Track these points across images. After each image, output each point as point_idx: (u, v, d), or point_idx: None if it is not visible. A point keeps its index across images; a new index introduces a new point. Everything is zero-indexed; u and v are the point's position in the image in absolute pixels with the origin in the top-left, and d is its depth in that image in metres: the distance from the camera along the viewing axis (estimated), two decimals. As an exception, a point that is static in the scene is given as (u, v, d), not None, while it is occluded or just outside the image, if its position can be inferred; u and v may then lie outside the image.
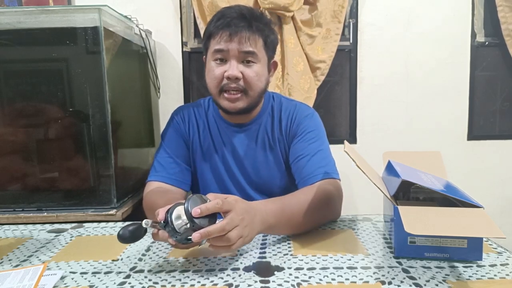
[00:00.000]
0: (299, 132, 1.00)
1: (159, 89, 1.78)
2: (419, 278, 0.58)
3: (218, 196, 0.64)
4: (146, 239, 0.78)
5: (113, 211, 1.13)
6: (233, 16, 0.89)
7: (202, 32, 1.75)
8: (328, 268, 0.62)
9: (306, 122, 1.01)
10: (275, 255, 0.68)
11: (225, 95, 0.91)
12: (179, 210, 0.60)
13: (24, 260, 0.69)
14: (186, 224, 0.59)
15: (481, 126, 1.96)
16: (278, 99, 1.06)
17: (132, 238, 0.61)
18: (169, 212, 0.60)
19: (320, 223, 0.84)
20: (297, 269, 0.62)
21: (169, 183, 0.96)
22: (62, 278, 0.61)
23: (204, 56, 0.99)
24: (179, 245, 0.64)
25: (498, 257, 0.65)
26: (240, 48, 0.89)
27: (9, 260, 0.69)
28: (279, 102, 1.06)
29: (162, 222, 0.60)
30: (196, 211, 0.58)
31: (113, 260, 0.68)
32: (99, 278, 0.61)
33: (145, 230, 0.62)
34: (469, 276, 0.58)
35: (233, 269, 0.62)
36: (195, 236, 0.57)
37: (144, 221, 0.60)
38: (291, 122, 1.02)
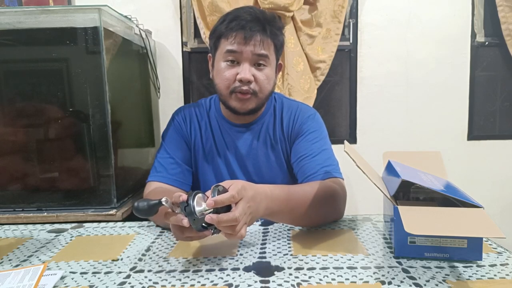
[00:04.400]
0: (301, 132, 1.00)
1: (159, 89, 1.78)
2: (419, 278, 0.58)
3: (228, 183, 0.65)
4: (146, 239, 0.78)
5: (113, 211, 1.13)
6: (248, 19, 0.88)
7: (202, 32, 1.75)
8: (328, 268, 0.62)
9: (309, 123, 1.01)
10: (275, 255, 0.68)
11: (237, 95, 0.92)
12: (200, 198, 0.62)
13: (24, 260, 0.69)
14: (206, 211, 0.60)
15: (481, 126, 1.96)
16: (279, 99, 1.06)
17: (146, 212, 0.62)
18: (190, 197, 0.61)
19: (323, 220, 0.84)
20: (297, 269, 0.62)
21: (170, 184, 0.96)
22: (62, 278, 0.61)
23: (210, 55, 0.99)
24: (188, 231, 0.63)
25: (498, 257, 0.65)
26: (254, 51, 0.89)
27: (9, 260, 0.69)
28: (281, 102, 1.06)
29: (184, 202, 0.61)
30: (210, 203, 0.59)
31: (113, 260, 0.68)
32: (99, 278, 0.61)
33: (157, 210, 0.62)
34: (469, 276, 0.58)
35: (233, 269, 0.62)
36: (207, 218, 0.59)
37: (163, 199, 0.61)
38: (293, 122, 1.02)
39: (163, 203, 0.61)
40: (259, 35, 0.88)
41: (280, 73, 1.79)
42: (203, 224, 0.60)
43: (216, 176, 1.03)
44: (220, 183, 0.65)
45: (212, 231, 0.62)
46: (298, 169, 0.97)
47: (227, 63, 0.91)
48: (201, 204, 0.61)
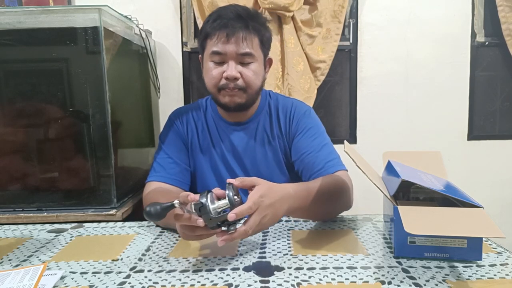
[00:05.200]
0: (299, 129, 1.01)
1: (159, 89, 1.78)
2: (419, 278, 0.58)
3: (254, 181, 0.68)
4: (146, 239, 0.78)
5: (113, 211, 1.13)
6: (230, 16, 0.90)
7: (202, 32, 1.75)
8: (328, 268, 0.62)
9: (305, 119, 1.02)
10: (275, 255, 0.68)
11: (226, 91, 0.93)
12: (213, 196, 0.64)
13: (24, 260, 0.69)
14: (221, 208, 0.62)
15: (481, 126, 1.96)
16: (274, 97, 1.08)
17: (159, 216, 0.63)
18: (203, 197, 0.62)
19: (337, 212, 0.88)
20: (297, 269, 0.62)
21: (169, 183, 0.96)
22: (62, 278, 0.61)
23: (200, 56, 1.00)
24: (200, 230, 0.64)
25: (497, 257, 0.65)
26: (237, 50, 0.90)
27: (9, 260, 0.69)
28: (276, 99, 1.07)
29: (199, 202, 0.61)
30: (231, 217, 0.60)
31: (113, 260, 0.68)
32: (99, 278, 0.61)
33: (166, 213, 0.63)
34: (469, 276, 0.58)
35: (233, 269, 0.62)
36: (231, 216, 0.60)
37: (175, 201, 0.62)
38: (289, 120, 1.03)
39: (176, 205, 0.61)
40: (241, 31, 0.89)
41: (280, 73, 1.79)
42: (219, 222, 0.62)
43: (215, 175, 1.04)
44: (245, 180, 0.68)
45: (226, 228, 0.64)
46: (302, 167, 0.98)
47: (214, 62, 0.93)
48: (213, 203, 0.62)
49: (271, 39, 1.00)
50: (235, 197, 0.64)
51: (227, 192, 0.63)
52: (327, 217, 0.87)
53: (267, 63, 1.01)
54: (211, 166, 1.04)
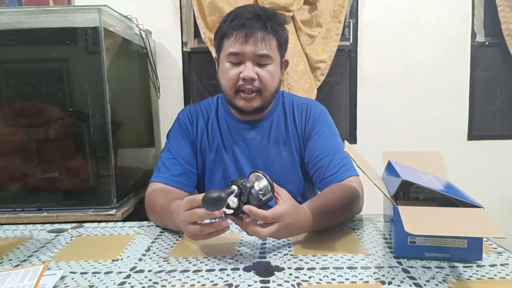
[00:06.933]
0: (315, 130, 1.00)
1: (159, 89, 1.78)
2: (419, 278, 0.58)
3: (282, 194, 0.69)
4: (146, 239, 0.78)
5: (113, 211, 1.13)
6: (248, 16, 0.89)
7: (202, 32, 1.75)
8: (328, 268, 0.62)
9: (321, 120, 1.02)
10: (275, 255, 0.68)
11: (241, 95, 0.92)
12: (252, 180, 0.67)
13: (24, 260, 0.69)
14: (261, 190, 0.66)
15: (481, 126, 1.96)
16: (288, 96, 1.07)
17: (220, 204, 0.63)
18: (241, 179, 0.65)
19: (346, 221, 0.88)
20: (297, 269, 0.62)
21: (172, 185, 0.96)
22: (62, 278, 0.61)
23: (216, 56, 0.99)
24: (211, 228, 0.65)
25: (498, 257, 0.65)
26: (255, 52, 0.89)
27: (9, 260, 0.69)
28: (290, 98, 1.06)
29: (249, 185, 0.64)
30: (246, 209, 0.63)
31: (113, 260, 0.68)
32: (99, 278, 0.61)
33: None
34: (469, 276, 0.58)
35: (233, 269, 0.62)
36: (245, 208, 0.63)
37: (234, 187, 0.64)
38: (305, 119, 1.02)
39: (235, 190, 0.63)
40: (260, 32, 0.89)
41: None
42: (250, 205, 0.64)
43: (224, 174, 1.03)
44: (278, 188, 0.69)
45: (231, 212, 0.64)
46: (315, 169, 0.97)
47: (231, 63, 0.92)
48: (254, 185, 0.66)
49: (288, 40, 0.99)
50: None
51: (266, 176, 0.66)
52: (337, 225, 0.87)
53: (284, 64, 1.00)
54: (221, 165, 1.03)
